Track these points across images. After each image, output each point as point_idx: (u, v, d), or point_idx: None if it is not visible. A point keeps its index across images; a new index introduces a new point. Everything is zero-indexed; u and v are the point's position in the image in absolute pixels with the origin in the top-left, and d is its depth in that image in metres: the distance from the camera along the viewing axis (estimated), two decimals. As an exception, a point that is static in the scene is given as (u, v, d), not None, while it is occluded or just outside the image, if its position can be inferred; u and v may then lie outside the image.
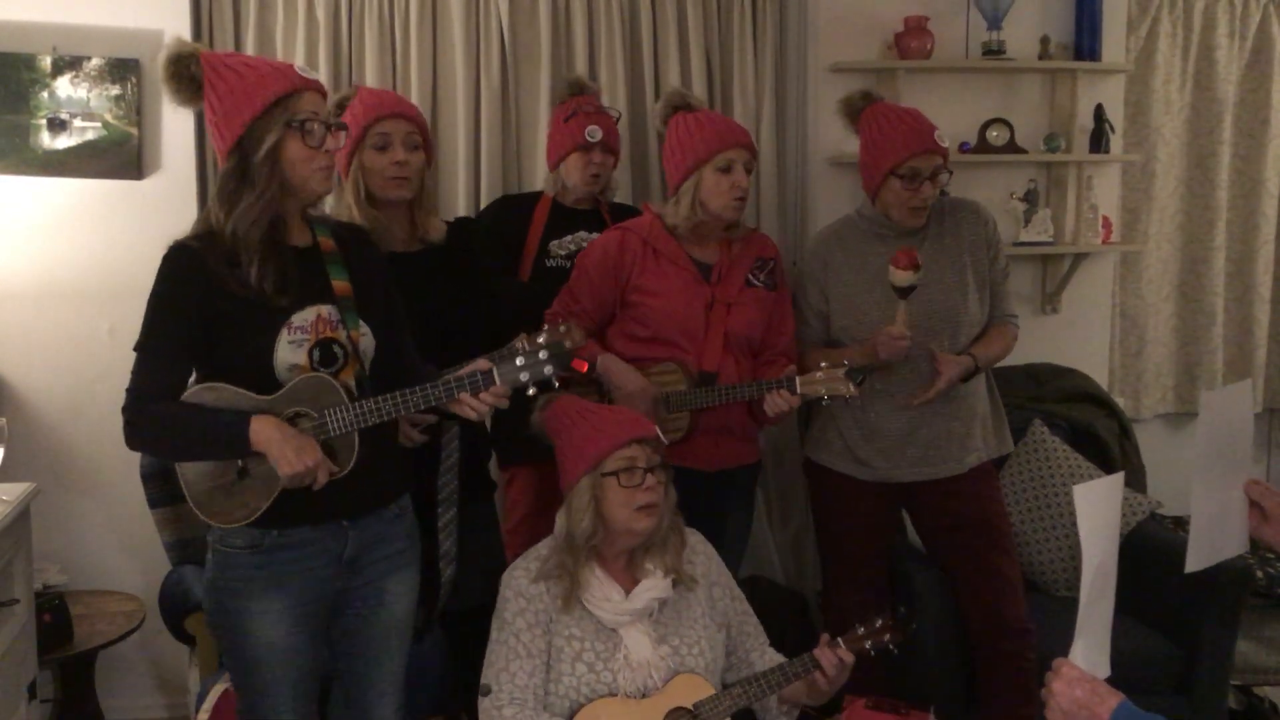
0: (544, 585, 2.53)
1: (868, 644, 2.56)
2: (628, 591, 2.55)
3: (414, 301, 2.74)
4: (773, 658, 2.69)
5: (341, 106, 2.99)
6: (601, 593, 2.53)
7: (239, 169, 2.26)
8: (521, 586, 2.54)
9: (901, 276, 3.01)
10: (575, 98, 3.49)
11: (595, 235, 3.44)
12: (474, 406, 2.34)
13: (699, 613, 2.61)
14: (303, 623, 2.38)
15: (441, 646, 3.22)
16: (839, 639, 2.55)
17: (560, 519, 2.58)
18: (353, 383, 2.33)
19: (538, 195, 3.57)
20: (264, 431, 2.20)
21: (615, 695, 2.48)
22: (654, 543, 2.58)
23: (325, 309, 2.32)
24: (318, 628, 2.43)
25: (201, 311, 2.25)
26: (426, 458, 2.82)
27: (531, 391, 2.33)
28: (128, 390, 2.27)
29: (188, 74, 2.27)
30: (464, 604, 3.04)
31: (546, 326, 2.81)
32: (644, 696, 2.49)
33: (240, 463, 2.26)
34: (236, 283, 2.24)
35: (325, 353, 2.31)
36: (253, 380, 2.27)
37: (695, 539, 2.70)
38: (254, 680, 2.40)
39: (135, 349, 2.28)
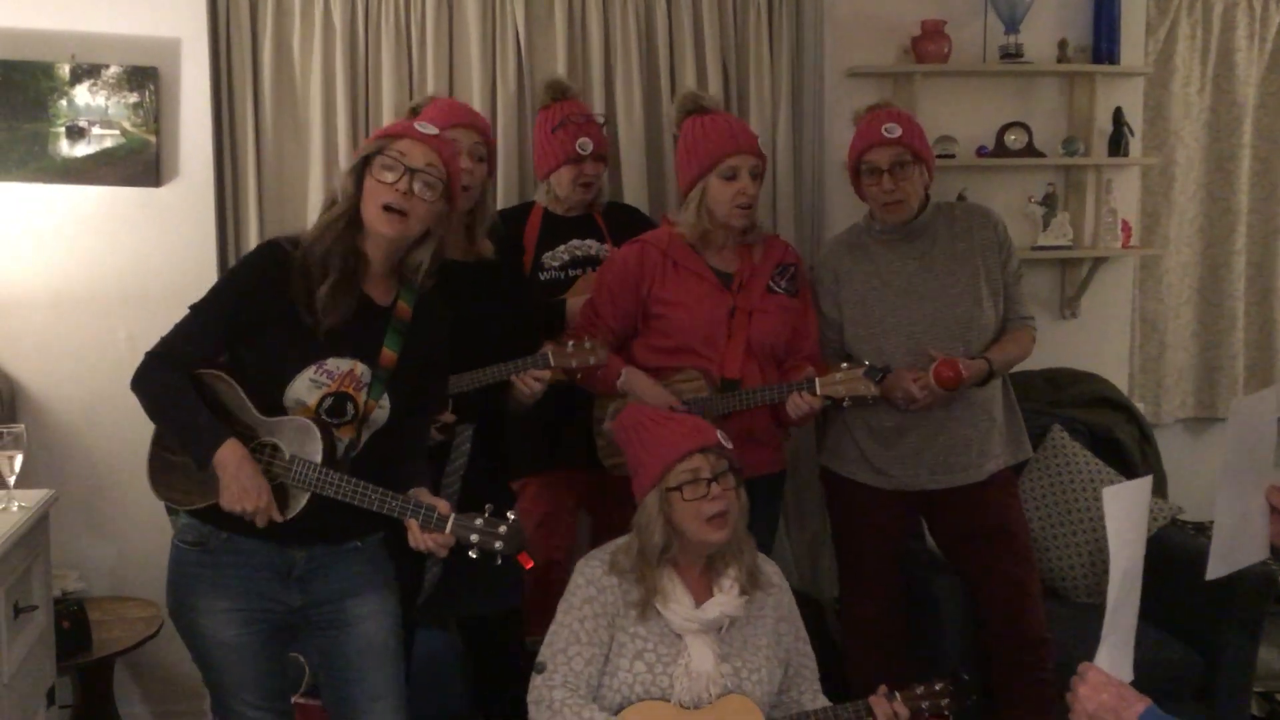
0: (617, 579, 2.53)
1: (924, 705, 2.54)
2: (699, 601, 2.54)
3: (462, 311, 2.76)
4: (823, 704, 2.66)
5: (415, 112, 3.04)
6: (673, 596, 2.53)
7: (333, 194, 2.38)
8: (595, 576, 2.54)
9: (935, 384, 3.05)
10: (558, 103, 3.45)
11: (589, 242, 3.44)
12: (415, 537, 2.32)
13: (764, 643, 2.60)
14: (251, 626, 2.40)
15: (459, 652, 3.22)
16: (897, 693, 2.54)
17: (633, 532, 2.58)
18: (345, 442, 2.35)
19: (529, 206, 3.54)
20: (225, 458, 2.26)
21: (667, 701, 2.47)
22: (729, 549, 2.57)
23: (361, 368, 2.36)
24: (271, 633, 2.44)
25: (257, 306, 2.32)
26: (435, 457, 2.81)
27: (472, 554, 2.30)
28: (162, 339, 2.37)
29: None
30: (483, 611, 3.03)
31: (573, 341, 2.83)
32: (694, 708, 2.48)
33: (202, 465, 2.31)
34: (303, 297, 2.30)
35: (337, 405, 2.34)
36: (259, 390, 2.33)
37: (770, 567, 2.70)
38: (215, 677, 2.45)
39: (191, 307, 2.38)
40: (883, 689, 2.55)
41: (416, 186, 2.32)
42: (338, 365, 2.33)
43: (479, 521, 2.29)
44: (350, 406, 2.34)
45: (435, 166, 2.35)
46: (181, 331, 2.37)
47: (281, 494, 2.30)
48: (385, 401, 2.38)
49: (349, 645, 2.47)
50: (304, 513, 2.32)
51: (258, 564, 2.39)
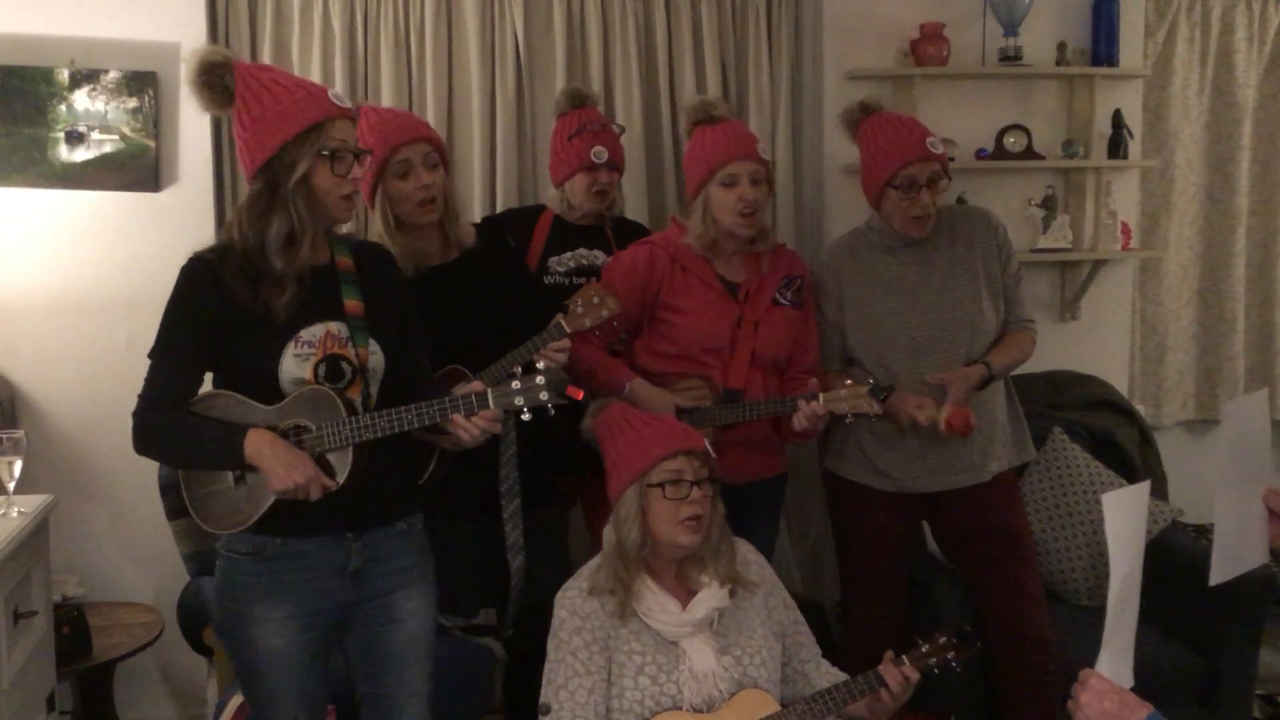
0: (598, 601, 2.51)
1: (932, 661, 2.52)
2: (683, 604, 2.53)
3: (461, 307, 2.80)
4: (828, 670, 2.66)
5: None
6: (658, 605, 2.51)
7: (268, 190, 2.29)
8: (576, 605, 2.52)
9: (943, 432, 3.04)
10: (577, 110, 3.44)
11: (597, 253, 3.44)
12: (466, 429, 2.34)
13: (757, 622, 2.59)
14: (305, 632, 2.39)
15: (482, 657, 3.22)
16: (904, 656, 2.52)
17: (609, 530, 2.57)
18: (358, 399, 2.35)
19: (539, 210, 3.54)
20: (257, 445, 2.24)
21: (679, 709, 2.46)
22: (704, 554, 2.55)
23: (334, 326, 2.35)
24: (322, 638, 2.44)
25: (213, 322, 2.30)
26: (486, 453, 2.80)
27: (526, 417, 2.32)
28: (139, 396, 2.34)
29: (220, 84, 2.30)
30: (525, 604, 3.03)
31: (581, 300, 2.82)
32: (708, 710, 2.46)
33: (238, 473, 2.30)
34: (249, 297, 2.28)
35: (332, 368, 2.33)
36: (259, 390, 2.31)
37: (745, 548, 2.69)
38: (260, 688, 2.43)
39: (149, 356, 2.34)
40: (889, 655, 2.53)
41: (358, 169, 2.34)
42: (312, 333, 2.32)
43: (515, 384, 2.31)
44: (345, 365, 2.34)
45: (356, 137, 2.37)
46: (154, 380, 2.34)
47: (324, 466, 2.29)
48: (375, 347, 2.38)
49: (393, 641, 2.48)
50: (353, 478, 2.30)
51: (317, 563, 2.39)
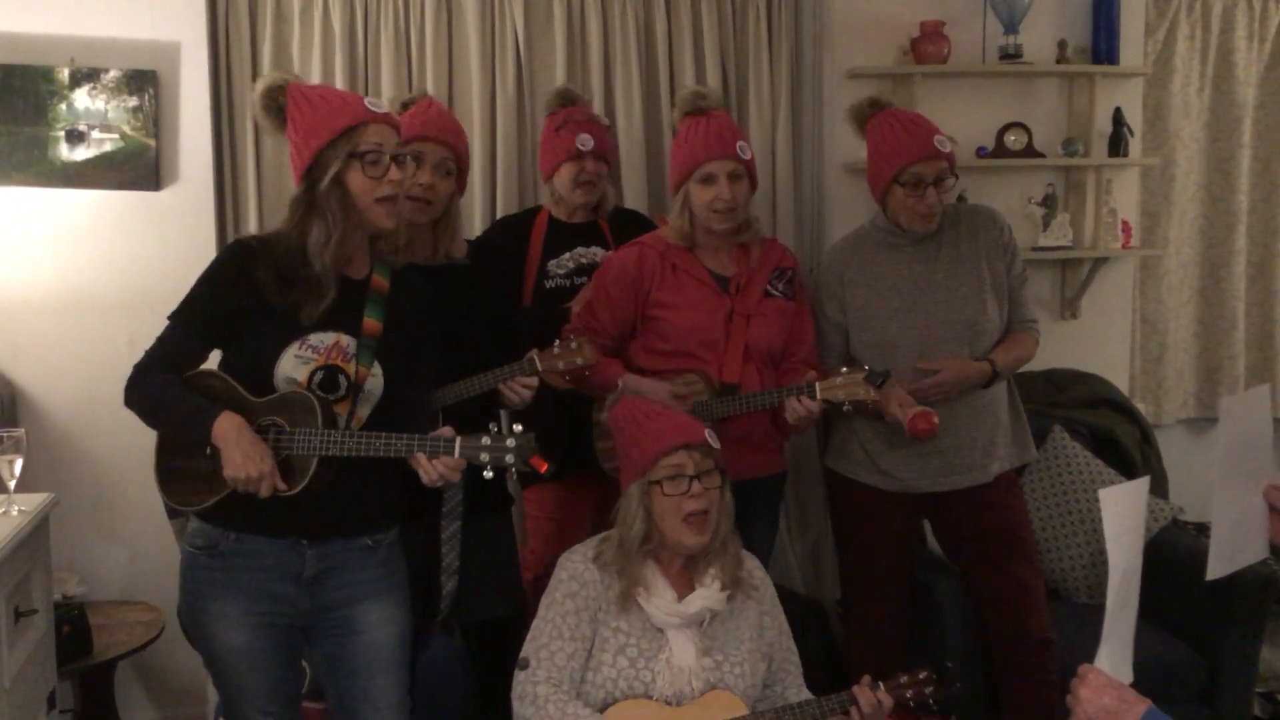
0: (600, 574, 2.53)
1: (908, 694, 2.53)
2: (681, 595, 2.54)
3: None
4: (806, 698, 2.65)
5: (405, 107, 3.04)
6: (655, 590, 2.53)
7: (306, 197, 2.34)
8: (577, 570, 2.54)
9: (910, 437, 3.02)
10: (564, 108, 3.45)
11: (594, 250, 3.42)
12: (425, 470, 2.33)
13: (746, 636, 2.60)
14: (265, 630, 2.40)
15: (462, 658, 3.22)
16: (880, 682, 2.53)
17: (617, 525, 2.58)
18: (344, 415, 2.35)
19: (534, 212, 3.52)
20: (224, 428, 2.27)
21: (649, 697, 2.47)
22: (712, 550, 2.57)
23: (346, 339, 2.36)
24: (284, 638, 2.44)
25: (231, 307, 2.33)
26: None
27: (488, 474, 2.33)
28: (146, 351, 2.39)
29: (274, 105, 2.38)
30: (480, 616, 3.02)
31: (559, 342, 2.82)
32: (676, 704, 2.47)
33: (208, 451, 2.30)
34: (275, 293, 2.31)
35: (329, 378, 2.35)
36: (253, 381, 2.33)
37: (752, 564, 2.70)
38: (226, 682, 2.45)
39: (169, 317, 2.39)
40: (866, 679, 2.54)
41: (397, 172, 2.35)
42: (321, 340, 2.34)
43: (485, 440, 2.31)
44: (342, 379, 2.35)
45: (397, 142, 2.38)
46: (163, 341, 2.39)
47: (289, 470, 2.30)
48: (377, 369, 2.38)
49: (356, 653, 2.46)
50: (313, 489, 2.29)
51: (269, 565, 2.39)
